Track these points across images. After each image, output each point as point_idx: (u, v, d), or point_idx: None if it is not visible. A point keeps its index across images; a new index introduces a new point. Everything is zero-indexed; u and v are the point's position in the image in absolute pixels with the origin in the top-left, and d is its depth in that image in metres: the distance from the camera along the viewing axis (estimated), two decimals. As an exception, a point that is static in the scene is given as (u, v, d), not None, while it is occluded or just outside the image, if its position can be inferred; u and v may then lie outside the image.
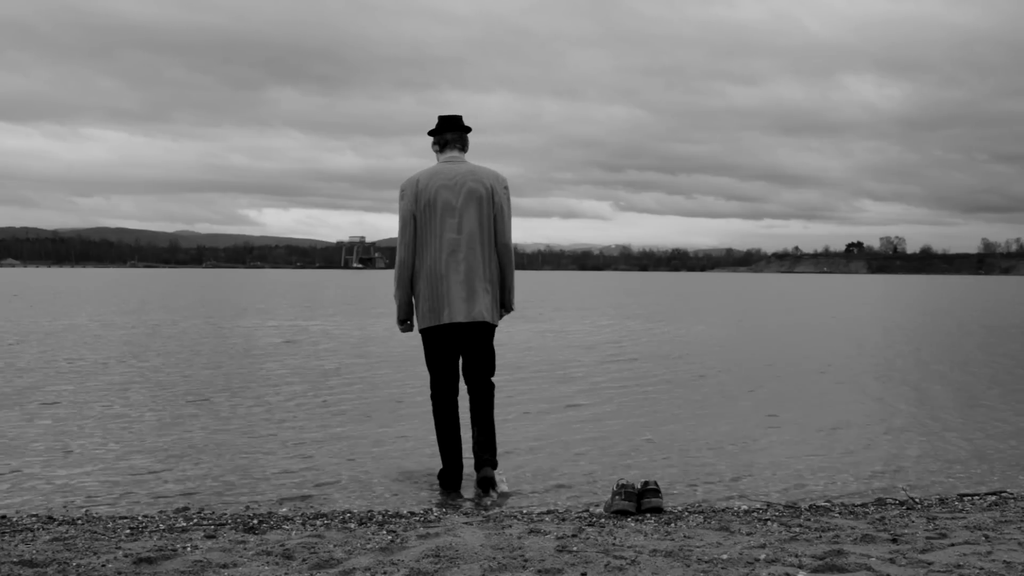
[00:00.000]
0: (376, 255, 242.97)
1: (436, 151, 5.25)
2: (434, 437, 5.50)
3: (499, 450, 5.56)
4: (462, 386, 5.37)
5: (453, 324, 5.08)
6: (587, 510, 4.92)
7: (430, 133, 5.27)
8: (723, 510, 4.94)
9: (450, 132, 5.19)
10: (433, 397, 5.35)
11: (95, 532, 4.26)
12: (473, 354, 5.23)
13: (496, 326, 5.27)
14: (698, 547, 3.94)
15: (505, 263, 5.21)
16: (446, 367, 5.27)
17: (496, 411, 5.42)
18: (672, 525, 4.46)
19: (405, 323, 5.34)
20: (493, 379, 5.37)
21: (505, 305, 5.35)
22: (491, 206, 5.08)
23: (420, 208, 5.04)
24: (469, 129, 5.26)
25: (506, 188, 5.15)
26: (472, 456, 5.32)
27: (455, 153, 5.18)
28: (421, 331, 5.22)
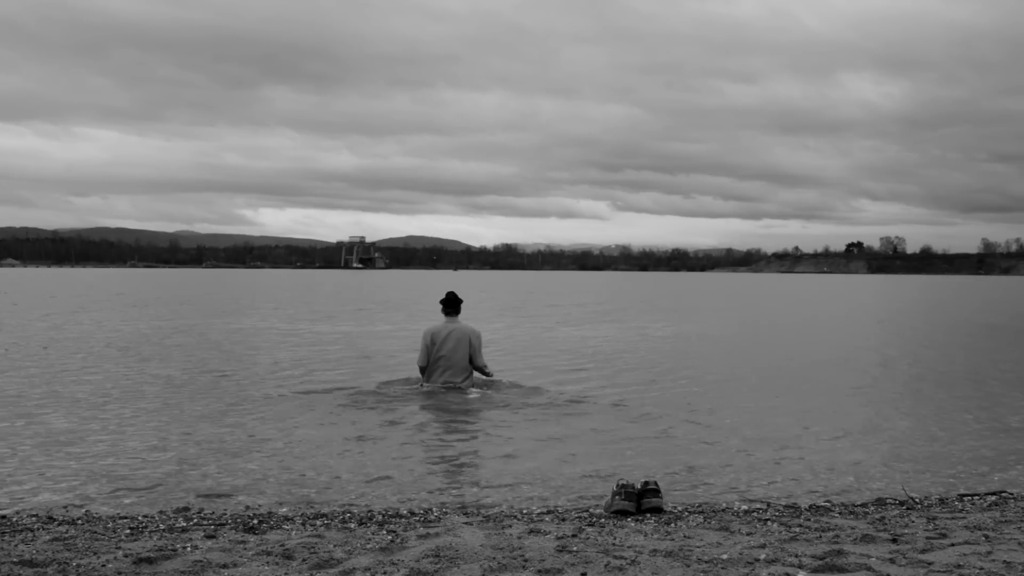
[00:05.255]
0: (376, 255, 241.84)
1: (443, 313, 9.47)
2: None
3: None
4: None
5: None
6: (587, 510, 4.92)
7: (441, 302, 9.60)
8: (723, 510, 4.94)
9: (450, 307, 9.46)
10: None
11: (95, 532, 4.26)
12: None
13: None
14: (698, 547, 3.94)
15: (482, 375, 9.43)
16: None
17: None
18: (672, 525, 4.45)
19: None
20: None
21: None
22: (469, 347, 9.27)
23: (433, 346, 9.26)
24: (461, 301, 9.56)
25: (479, 337, 9.42)
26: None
27: (453, 318, 9.45)
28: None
